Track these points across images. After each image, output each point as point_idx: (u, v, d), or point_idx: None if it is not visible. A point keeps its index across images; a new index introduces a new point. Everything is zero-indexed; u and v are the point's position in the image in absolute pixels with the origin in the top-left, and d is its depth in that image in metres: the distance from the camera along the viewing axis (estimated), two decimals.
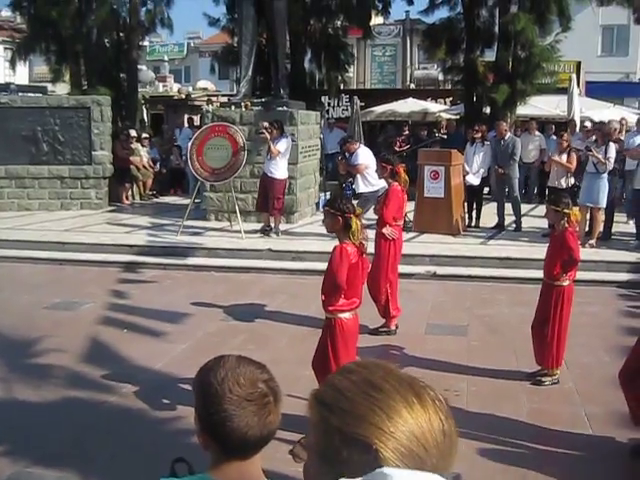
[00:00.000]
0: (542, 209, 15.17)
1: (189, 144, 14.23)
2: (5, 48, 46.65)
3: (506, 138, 14.34)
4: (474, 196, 14.80)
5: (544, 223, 13.79)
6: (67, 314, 9.46)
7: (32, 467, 5.27)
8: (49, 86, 27.89)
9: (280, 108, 14.86)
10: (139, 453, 5.60)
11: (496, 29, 20.89)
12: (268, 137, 12.91)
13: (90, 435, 5.91)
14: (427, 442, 1.15)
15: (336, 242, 5.99)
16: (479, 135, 14.66)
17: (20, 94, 17.92)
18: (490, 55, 21.23)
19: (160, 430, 6.04)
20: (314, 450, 1.23)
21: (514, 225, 14.44)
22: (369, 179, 12.37)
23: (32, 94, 18.52)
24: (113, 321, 9.07)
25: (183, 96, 30.53)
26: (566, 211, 6.80)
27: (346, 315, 5.76)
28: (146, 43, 35.54)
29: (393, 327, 8.69)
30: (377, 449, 1.12)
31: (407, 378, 1.23)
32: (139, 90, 24.55)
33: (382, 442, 1.13)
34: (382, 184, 11.41)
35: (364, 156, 12.64)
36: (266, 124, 13.05)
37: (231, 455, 1.93)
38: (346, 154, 13.49)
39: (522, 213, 14.77)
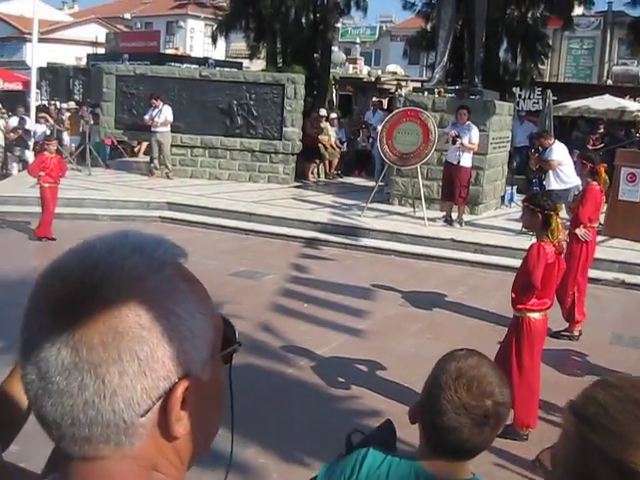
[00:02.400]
0: None
1: (379, 127, 14.25)
2: (205, 24, 48.69)
3: None
4: None
5: None
6: (250, 282, 9.77)
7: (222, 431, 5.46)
8: (244, 62, 28.84)
9: (474, 97, 14.61)
10: (312, 427, 5.69)
11: None
12: (459, 140, 12.71)
13: (267, 403, 6.06)
14: None
15: (521, 239, 5.80)
16: None
17: (217, 68, 18.58)
18: None
19: (333, 408, 6.11)
20: (562, 464, 1.15)
21: None
22: (561, 176, 11.94)
23: (229, 69, 19.18)
24: (293, 294, 9.27)
25: (373, 79, 30.67)
26: None
27: (535, 315, 5.58)
28: (339, 25, 35.96)
29: (576, 333, 8.36)
30: None
31: None
32: (330, 71, 24.87)
33: None
34: (575, 182, 11.01)
35: (559, 152, 12.20)
36: (454, 133, 12.77)
37: (438, 452, 1.91)
38: (539, 148, 13.08)
39: None
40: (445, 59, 15.75)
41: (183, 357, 0.88)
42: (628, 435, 1.07)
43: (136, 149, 22.23)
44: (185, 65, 24.77)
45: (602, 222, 12.96)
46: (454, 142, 12.78)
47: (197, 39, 51.31)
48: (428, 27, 24.29)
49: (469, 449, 1.87)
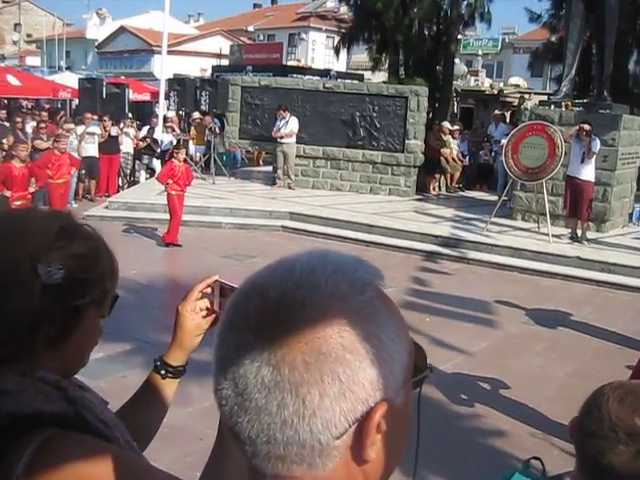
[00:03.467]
0: None
1: (505, 141, 14.07)
2: (327, 36, 49.26)
3: None
4: None
5: None
6: None
7: None
8: (365, 74, 29.00)
9: (603, 110, 14.22)
10: (435, 443, 5.63)
11: None
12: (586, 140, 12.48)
13: None
14: None
15: None
16: None
17: (340, 80, 18.76)
18: None
19: (457, 426, 6.05)
20: None
21: None
22: None
23: (350, 81, 19.33)
24: (415, 307, 9.22)
25: (495, 91, 30.24)
26: None
27: None
28: (461, 37, 35.67)
29: None
30: None
31: None
32: (452, 83, 24.70)
33: None
34: None
35: None
36: (587, 126, 12.57)
37: (587, 475, 1.85)
38: None
39: None
40: (573, 72, 15.39)
41: (382, 381, 0.89)
42: None
43: (256, 159, 22.74)
44: (307, 77, 25.16)
45: None
46: (578, 136, 12.59)
47: (318, 51, 51.97)
48: (553, 39, 23.83)
49: (608, 469, 1.80)
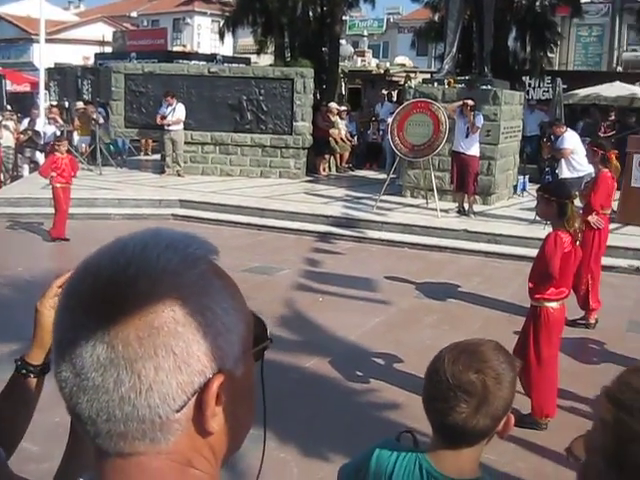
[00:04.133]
0: None
1: (390, 119, 14.24)
2: (212, 20, 48.73)
3: None
4: None
5: None
6: (264, 278, 9.78)
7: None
8: (252, 57, 28.83)
9: (484, 87, 14.57)
10: (331, 420, 5.69)
11: None
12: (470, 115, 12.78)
13: (285, 398, 6.07)
14: None
15: (534, 228, 5.77)
16: None
17: (226, 65, 18.59)
18: None
19: (352, 401, 6.10)
20: (599, 453, 1.14)
21: None
22: (574, 164, 11.90)
23: (237, 65, 19.19)
24: (308, 288, 9.27)
25: (381, 71, 30.60)
26: None
27: (553, 304, 5.55)
28: (346, 18, 35.85)
29: (592, 320, 8.33)
30: None
31: None
32: (339, 64, 24.82)
33: None
34: (587, 170, 10.97)
35: (571, 140, 12.16)
36: (471, 102, 12.86)
37: (439, 438, 1.90)
38: (551, 137, 13.06)
39: None
40: (454, 50, 15.69)
41: (218, 352, 0.89)
42: None
43: (144, 148, 22.31)
44: (193, 62, 24.84)
45: (615, 209, 12.95)
46: (462, 112, 12.91)
47: (204, 36, 51.34)
48: (436, 18, 24.22)
49: (453, 428, 1.83)
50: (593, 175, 9.32)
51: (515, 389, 1.89)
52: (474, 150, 13.08)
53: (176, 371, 0.86)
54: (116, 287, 0.86)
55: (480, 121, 12.96)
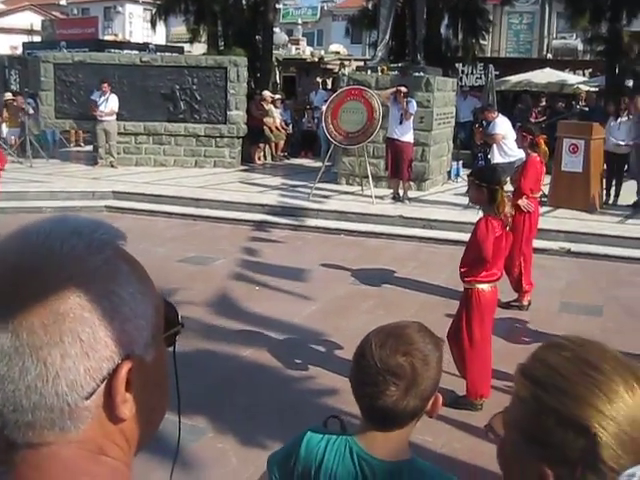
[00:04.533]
0: None
1: (324, 107, 14.26)
2: (144, 9, 48.07)
3: None
4: (614, 172, 14.24)
5: None
6: (200, 268, 9.71)
7: (170, 415, 5.43)
8: (185, 46, 28.53)
9: (417, 74, 14.67)
10: (269, 408, 5.69)
11: None
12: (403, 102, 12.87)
13: (222, 387, 6.06)
14: None
15: (468, 213, 5.85)
16: (624, 109, 14.12)
17: (158, 54, 18.37)
18: (637, 25, 20.23)
19: (290, 389, 6.11)
20: (516, 428, 1.16)
21: (635, 199, 13.82)
22: (505, 149, 12.08)
23: (170, 54, 18.97)
24: (245, 278, 9.24)
25: (316, 59, 30.60)
26: None
27: (485, 287, 5.64)
28: (280, 6, 35.73)
29: (525, 302, 8.49)
30: (596, 433, 1.05)
31: (624, 359, 1.15)
32: (273, 52, 24.74)
33: (602, 426, 1.06)
34: (518, 155, 11.14)
35: (502, 125, 12.34)
36: (404, 89, 12.95)
37: (369, 422, 1.91)
38: (483, 123, 13.24)
39: None
40: (387, 37, 15.78)
41: (125, 338, 0.88)
42: (579, 393, 1.09)
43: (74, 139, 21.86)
44: (125, 51, 24.44)
45: (546, 193, 13.21)
46: (395, 99, 12.98)
47: (136, 24, 50.67)
48: (369, 6, 24.33)
49: (384, 411, 1.84)
50: (524, 160, 9.48)
51: (442, 368, 1.91)
52: (408, 137, 13.18)
53: (83, 357, 0.85)
54: (20, 274, 0.85)
55: (413, 108, 13.06)
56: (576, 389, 1.09)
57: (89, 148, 18.60)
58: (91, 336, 0.85)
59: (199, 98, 17.13)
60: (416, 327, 1.91)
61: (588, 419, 1.07)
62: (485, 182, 5.56)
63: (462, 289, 5.91)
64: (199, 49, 25.02)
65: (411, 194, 13.62)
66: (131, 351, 0.88)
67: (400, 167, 13.14)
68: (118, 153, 16.90)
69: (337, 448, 1.94)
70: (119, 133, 16.80)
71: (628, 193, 14.17)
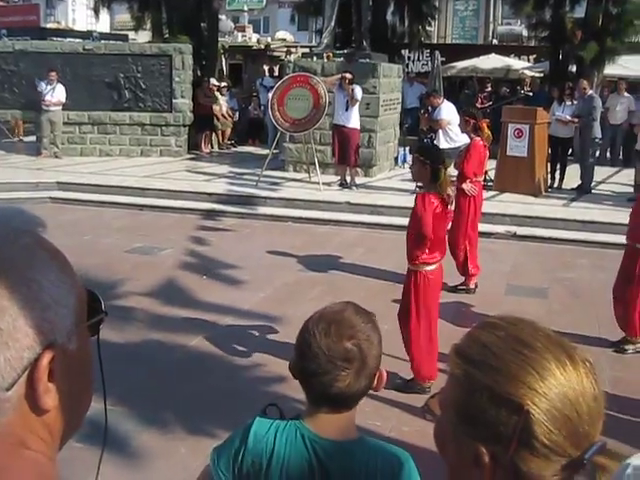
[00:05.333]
0: (627, 173, 14.90)
1: (270, 94, 14.20)
2: None
3: (585, 97, 13.96)
4: (558, 156, 14.46)
5: (629, 187, 13.46)
6: (147, 258, 9.62)
7: (112, 405, 5.37)
8: (130, 34, 28.14)
9: (363, 60, 14.70)
10: (217, 397, 5.67)
11: None
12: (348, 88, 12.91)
13: (170, 377, 6.01)
14: (580, 406, 1.08)
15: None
16: (568, 93, 14.36)
17: (102, 41, 18.11)
18: (579, 11, 20.47)
19: (238, 377, 6.09)
20: (452, 407, 1.16)
21: (579, 182, 14.09)
22: (451, 135, 12.17)
23: (114, 42, 18.70)
24: (192, 267, 9.17)
25: (262, 46, 30.46)
26: None
27: (429, 268, 5.68)
28: None
29: (472, 286, 8.58)
30: (528, 410, 1.06)
31: (556, 337, 1.16)
32: (218, 40, 24.52)
33: (534, 403, 1.06)
34: (464, 140, 11.22)
35: (447, 111, 12.42)
36: (349, 75, 12.97)
37: (318, 405, 1.92)
38: (429, 108, 13.31)
39: (606, 176, 14.36)
40: (332, 24, 15.77)
41: (47, 326, 0.86)
42: (512, 371, 1.09)
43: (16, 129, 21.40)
44: (68, 39, 24.05)
45: (492, 177, 13.36)
46: (341, 85, 13.04)
47: (79, 12, 49.73)
48: None
49: (338, 396, 1.86)
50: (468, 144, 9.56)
51: (381, 343, 1.94)
52: (354, 123, 13.21)
53: (3, 347, 0.83)
54: None
55: (359, 94, 13.08)
56: (509, 367, 1.10)
57: (32, 138, 18.22)
58: (10, 325, 0.83)
59: (144, 86, 16.94)
60: (352, 309, 1.93)
61: (521, 396, 1.07)
62: (430, 159, 5.59)
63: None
64: (144, 37, 24.63)
65: (358, 180, 13.67)
66: (53, 340, 0.86)
67: (347, 153, 13.17)
68: (62, 143, 16.63)
69: (287, 435, 1.92)
70: (63, 123, 16.52)
71: (572, 177, 14.41)
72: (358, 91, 13.08)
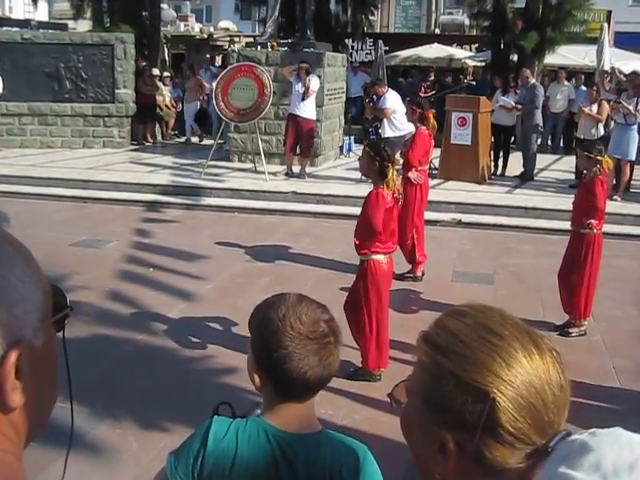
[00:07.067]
0: (568, 160, 15.17)
1: (214, 84, 14.11)
2: None
3: (528, 86, 14.18)
4: (501, 144, 14.66)
5: (571, 174, 13.70)
6: (92, 252, 9.48)
7: (63, 402, 5.30)
8: (70, 23, 27.60)
9: (307, 49, 14.69)
10: (167, 390, 5.63)
11: None
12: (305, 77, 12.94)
13: (120, 372, 5.95)
14: (546, 395, 1.09)
15: (361, 187, 5.92)
16: (512, 85, 14.62)
17: (41, 31, 17.74)
18: (520, 1, 20.72)
19: (190, 369, 6.06)
20: (418, 395, 1.17)
21: (522, 170, 14.33)
22: (396, 123, 12.25)
23: (53, 31, 18.33)
24: (138, 259, 9.08)
25: (205, 36, 30.19)
26: (599, 158, 6.73)
27: (379, 257, 5.71)
28: None
29: (419, 273, 8.66)
30: (494, 398, 1.07)
31: (523, 325, 1.17)
32: (160, 29, 24.24)
33: (500, 391, 1.07)
34: (408, 129, 11.32)
35: (392, 100, 12.49)
36: (306, 65, 12.99)
37: (287, 397, 1.87)
38: (374, 97, 13.37)
39: (548, 164, 14.59)
40: (276, 13, 15.72)
41: (14, 322, 0.84)
42: (478, 358, 1.10)
43: None
44: (5, 28, 23.46)
45: (437, 166, 13.49)
46: (298, 75, 13.10)
47: (17, 0, 48.71)
48: None
49: (314, 381, 1.84)
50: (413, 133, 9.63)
51: None
52: (310, 113, 13.24)
53: None
54: None
55: (315, 85, 13.10)
56: (476, 354, 1.10)
57: None
58: None
59: (85, 77, 16.65)
60: (295, 297, 1.93)
61: (487, 384, 1.08)
62: (379, 156, 5.64)
63: (357, 263, 5.97)
64: (84, 26, 24.20)
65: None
66: (20, 336, 0.85)
67: (302, 143, 13.20)
68: (1, 135, 16.29)
69: (249, 433, 1.87)
70: (1, 114, 16.18)
71: (515, 164, 14.62)
72: (315, 82, 13.10)
